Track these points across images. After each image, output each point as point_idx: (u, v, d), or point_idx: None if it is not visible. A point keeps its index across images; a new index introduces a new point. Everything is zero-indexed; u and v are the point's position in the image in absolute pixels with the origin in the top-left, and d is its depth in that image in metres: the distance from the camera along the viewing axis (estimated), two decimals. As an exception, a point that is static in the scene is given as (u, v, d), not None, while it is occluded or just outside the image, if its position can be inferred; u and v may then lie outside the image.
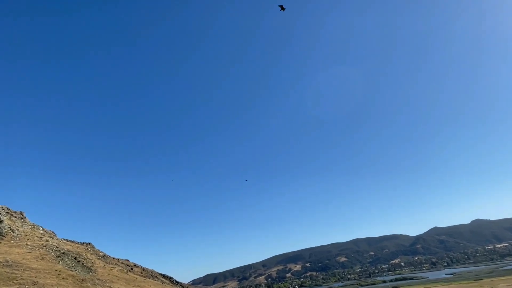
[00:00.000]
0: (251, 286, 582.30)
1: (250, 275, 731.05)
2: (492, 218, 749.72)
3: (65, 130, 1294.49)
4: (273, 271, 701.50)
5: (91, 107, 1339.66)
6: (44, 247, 79.72)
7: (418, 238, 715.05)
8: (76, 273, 70.81)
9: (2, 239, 75.87)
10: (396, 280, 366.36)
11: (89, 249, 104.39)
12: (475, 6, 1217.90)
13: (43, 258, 72.04)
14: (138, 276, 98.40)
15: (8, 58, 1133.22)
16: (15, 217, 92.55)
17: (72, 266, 75.12)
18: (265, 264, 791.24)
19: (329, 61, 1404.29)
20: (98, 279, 74.62)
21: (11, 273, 56.25)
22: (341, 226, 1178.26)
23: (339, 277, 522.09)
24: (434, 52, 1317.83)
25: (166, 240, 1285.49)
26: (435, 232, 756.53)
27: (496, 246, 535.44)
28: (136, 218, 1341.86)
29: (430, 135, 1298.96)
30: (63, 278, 63.19)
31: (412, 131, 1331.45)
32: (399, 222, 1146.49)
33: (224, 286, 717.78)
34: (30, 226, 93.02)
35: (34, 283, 54.23)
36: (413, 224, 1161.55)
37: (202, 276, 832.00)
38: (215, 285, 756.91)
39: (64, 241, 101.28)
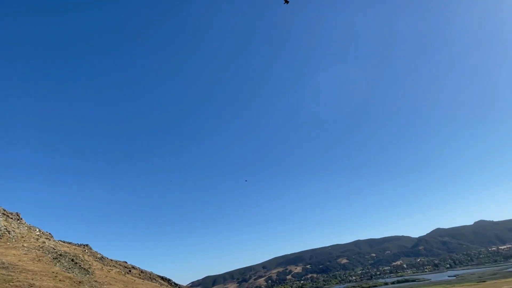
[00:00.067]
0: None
1: (250, 277, 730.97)
2: (495, 219, 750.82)
3: (62, 130, 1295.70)
4: (273, 273, 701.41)
5: (88, 107, 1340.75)
6: (40, 249, 79.63)
7: (420, 240, 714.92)
8: (73, 275, 70.73)
9: (-2, 240, 75.77)
10: (398, 282, 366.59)
11: (86, 250, 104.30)
12: (476, 6, 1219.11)
13: (39, 260, 71.95)
14: (136, 278, 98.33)
15: (5, 57, 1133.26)
16: (11, 218, 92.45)
17: (69, 268, 75.04)
18: (265, 266, 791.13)
19: (329, 60, 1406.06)
20: (96, 281, 74.55)
21: (7, 275, 56.16)
22: (342, 227, 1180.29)
23: (340, 279, 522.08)
24: (435, 51, 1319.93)
25: (164, 241, 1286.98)
26: (438, 233, 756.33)
27: (500, 247, 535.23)
28: (134, 219, 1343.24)
29: (432, 135, 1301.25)
30: (60, 280, 63.11)
31: (414, 131, 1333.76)
32: (401, 223, 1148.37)
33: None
34: (26, 228, 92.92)
35: (31, 285, 54.16)
36: (415, 225, 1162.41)
37: (201, 278, 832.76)
38: (214, 287, 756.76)
39: (61, 242, 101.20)
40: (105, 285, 75.15)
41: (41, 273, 63.46)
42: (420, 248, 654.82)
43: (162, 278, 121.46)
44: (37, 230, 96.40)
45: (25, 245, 78.69)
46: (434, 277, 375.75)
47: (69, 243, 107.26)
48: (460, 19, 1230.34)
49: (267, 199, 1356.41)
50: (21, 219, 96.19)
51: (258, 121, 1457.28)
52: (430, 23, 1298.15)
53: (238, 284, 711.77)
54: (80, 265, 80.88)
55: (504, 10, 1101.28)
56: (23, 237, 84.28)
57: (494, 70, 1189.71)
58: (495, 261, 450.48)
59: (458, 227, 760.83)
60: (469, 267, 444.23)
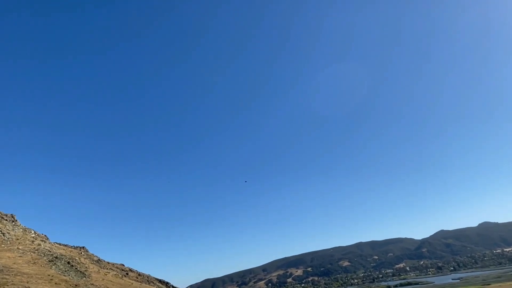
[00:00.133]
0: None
1: (250, 280, 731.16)
2: (500, 221, 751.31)
3: (58, 130, 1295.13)
4: (273, 276, 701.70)
5: (85, 107, 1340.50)
6: (36, 251, 79.59)
7: (423, 242, 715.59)
8: (69, 278, 70.68)
9: (-8, 243, 75.73)
10: (401, 285, 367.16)
11: (82, 253, 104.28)
12: (479, 3, 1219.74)
13: (35, 262, 71.91)
14: (133, 281, 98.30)
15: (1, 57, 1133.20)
16: (6, 220, 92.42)
17: (65, 271, 75.01)
18: (265, 268, 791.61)
19: (330, 59, 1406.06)
20: (92, 284, 74.51)
21: (2, 278, 56.12)
22: (344, 229, 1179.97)
23: (342, 282, 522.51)
24: (438, 49, 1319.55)
25: (162, 243, 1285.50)
26: (441, 235, 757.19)
27: (505, 250, 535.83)
28: (132, 221, 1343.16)
29: (436, 134, 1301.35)
30: (55, 283, 63.05)
31: (417, 131, 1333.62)
32: (404, 225, 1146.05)
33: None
34: (21, 230, 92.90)
35: (26, 289, 54.07)
36: (418, 227, 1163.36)
37: (200, 281, 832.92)
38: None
39: (57, 245, 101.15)
40: (102, 288, 75.06)
41: (37, 276, 63.40)
42: (424, 250, 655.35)
43: (160, 281, 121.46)
44: (33, 232, 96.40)
45: (20, 247, 78.66)
46: (438, 280, 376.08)
47: (65, 245, 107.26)
48: (464, 16, 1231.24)
49: (267, 200, 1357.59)
50: (16, 221, 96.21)
51: (258, 121, 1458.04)
52: (433, 20, 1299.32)
53: (237, 287, 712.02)
54: (76, 268, 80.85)
55: (508, 7, 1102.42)
56: (18, 239, 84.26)
57: (500, 67, 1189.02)
58: (500, 263, 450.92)
59: (462, 229, 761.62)
60: (473, 269, 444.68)
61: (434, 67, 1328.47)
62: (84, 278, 76.42)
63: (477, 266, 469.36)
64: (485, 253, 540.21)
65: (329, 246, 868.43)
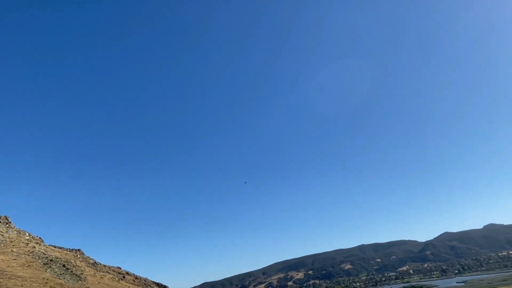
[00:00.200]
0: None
1: (250, 284, 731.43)
2: (506, 223, 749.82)
3: (53, 131, 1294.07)
4: (273, 279, 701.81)
5: (80, 107, 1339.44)
6: (30, 254, 79.61)
7: (427, 244, 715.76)
8: (65, 282, 70.68)
9: (-14, 245, 75.70)
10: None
11: (78, 256, 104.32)
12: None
13: (29, 265, 71.91)
14: (130, 285, 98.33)
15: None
16: (0, 222, 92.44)
17: (61, 274, 75.01)
18: (265, 271, 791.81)
19: (333, 56, 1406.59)
20: (88, 287, 74.51)
21: (-4, 281, 56.07)
22: (345, 231, 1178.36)
23: (343, 285, 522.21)
24: (443, 45, 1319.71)
25: (160, 246, 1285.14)
26: (446, 237, 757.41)
27: (510, 252, 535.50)
28: (129, 223, 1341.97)
29: (440, 134, 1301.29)
30: (50, 286, 63.07)
31: (420, 131, 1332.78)
32: (407, 227, 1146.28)
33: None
34: (15, 232, 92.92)
35: (20, 292, 54.08)
36: (422, 229, 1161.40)
37: (198, 284, 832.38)
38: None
39: (52, 247, 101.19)
40: (98, 292, 75.11)
41: (31, 279, 63.40)
42: (427, 253, 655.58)
43: (158, 284, 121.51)
44: (27, 234, 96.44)
45: (14, 250, 78.65)
46: (442, 283, 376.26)
47: (61, 248, 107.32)
48: (468, 13, 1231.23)
49: (267, 202, 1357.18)
50: (10, 223, 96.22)
51: (258, 121, 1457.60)
52: (437, 17, 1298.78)
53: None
54: (72, 271, 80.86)
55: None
56: (12, 241, 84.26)
57: (508, 63, 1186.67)
58: (506, 266, 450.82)
59: (467, 231, 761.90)
60: (479, 272, 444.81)
61: (438, 64, 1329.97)
62: (79, 281, 76.43)
63: (482, 269, 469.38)
64: (490, 255, 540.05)
65: (331, 248, 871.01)
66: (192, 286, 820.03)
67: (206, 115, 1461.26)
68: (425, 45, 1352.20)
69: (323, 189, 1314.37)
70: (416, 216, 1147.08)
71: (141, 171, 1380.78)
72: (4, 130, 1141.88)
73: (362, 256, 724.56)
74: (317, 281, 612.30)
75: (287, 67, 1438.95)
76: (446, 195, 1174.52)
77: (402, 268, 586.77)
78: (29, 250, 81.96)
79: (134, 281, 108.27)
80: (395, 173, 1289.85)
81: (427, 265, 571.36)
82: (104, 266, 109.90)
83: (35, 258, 77.98)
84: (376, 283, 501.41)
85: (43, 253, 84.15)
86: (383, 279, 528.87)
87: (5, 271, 63.16)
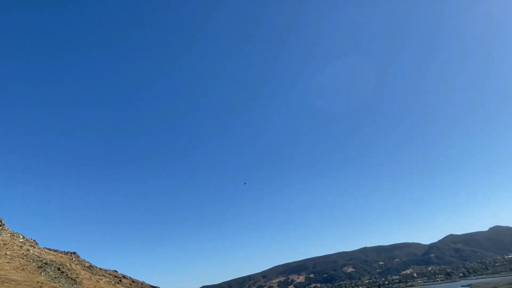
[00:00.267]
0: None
1: (249, 287, 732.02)
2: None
3: (47, 131, 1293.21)
4: (274, 283, 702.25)
5: (75, 107, 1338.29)
6: (24, 257, 79.66)
7: (431, 247, 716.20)
8: (60, 285, 70.77)
9: (-22, 248, 75.77)
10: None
11: (73, 259, 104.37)
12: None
13: (23, 269, 71.96)
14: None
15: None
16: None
17: (55, 278, 75.09)
18: (266, 275, 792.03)
19: (335, 54, 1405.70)
20: (84, 291, 74.57)
21: (-11, 285, 56.13)
22: (347, 234, 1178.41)
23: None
24: (448, 43, 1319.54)
25: (157, 249, 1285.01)
26: (450, 240, 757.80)
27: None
28: (125, 225, 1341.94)
29: (445, 134, 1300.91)
30: (45, 290, 63.12)
31: (424, 130, 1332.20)
32: (411, 229, 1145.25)
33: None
34: (9, 234, 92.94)
35: (14, 296, 54.15)
36: (426, 231, 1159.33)
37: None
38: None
39: (46, 250, 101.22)
40: (94, 295, 75.20)
41: (25, 283, 63.47)
42: (432, 255, 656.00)
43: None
44: (21, 237, 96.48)
45: (7, 253, 78.69)
46: (447, 287, 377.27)
47: (55, 250, 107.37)
48: (474, 10, 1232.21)
49: (267, 203, 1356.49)
50: (3, 225, 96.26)
51: (258, 121, 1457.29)
52: (442, 13, 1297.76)
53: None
54: (67, 275, 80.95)
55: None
56: (5, 244, 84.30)
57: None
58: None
59: (472, 233, 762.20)
60: (484, 276, 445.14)
61: (444, 62, 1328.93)
62: (75, 285, 76.55)
63: (488, 272, 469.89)
64: (496, 258, 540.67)
65: (332, 251, 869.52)
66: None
67: (205, 115, 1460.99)
68: (430, 42, 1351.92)
69: (324, 191, 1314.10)
70: (420, 218, 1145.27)
71: (138, 172, 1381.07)
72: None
73: (364, 259, 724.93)
74: (319, 285, 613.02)
75: (288, 65, 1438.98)
76: (451, 196, 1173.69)
77: (405, 271, 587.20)
78: (23, 253, 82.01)
79: (130, 284, 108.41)
80: (399, 173, 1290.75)
81: (431, 268, 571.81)
82: (100, 269, 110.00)
83: (29, 261, 78.05)
84: (379, 287, 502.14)
85: (38, 256, 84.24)
86: (386, 282, 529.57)
87: (-1, 275, 63.22)
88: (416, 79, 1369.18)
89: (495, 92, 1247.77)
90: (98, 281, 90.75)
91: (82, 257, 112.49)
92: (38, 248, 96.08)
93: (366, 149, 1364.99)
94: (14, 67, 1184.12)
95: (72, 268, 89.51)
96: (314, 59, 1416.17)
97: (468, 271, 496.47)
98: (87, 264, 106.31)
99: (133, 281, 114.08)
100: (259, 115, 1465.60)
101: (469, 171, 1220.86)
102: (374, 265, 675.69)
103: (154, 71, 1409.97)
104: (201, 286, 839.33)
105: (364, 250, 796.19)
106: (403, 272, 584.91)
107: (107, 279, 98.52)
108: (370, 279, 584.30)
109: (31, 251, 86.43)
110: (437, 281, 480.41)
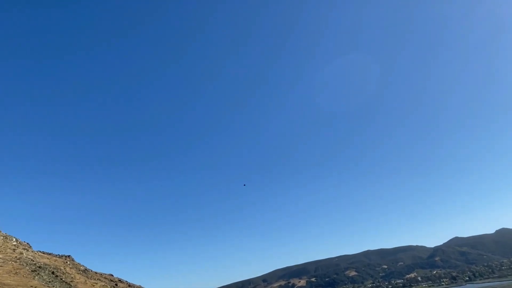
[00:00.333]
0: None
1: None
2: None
3: (41, 131, 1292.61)
4: (274, 287, 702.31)
5: (71, 107, 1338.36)
6: (18, 260, 79.51)
7: (436, 250, 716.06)
8: (54, 290, 70.60)
9: (-30, 251, 75.66)
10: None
11: (68, 262, 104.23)
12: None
13: (16, 272, 71.82)
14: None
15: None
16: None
17: (50, 282, 74.94)
18: (266, 279, 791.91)
19: (337, 52, 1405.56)
20: (79, 296, 74.44)
21: (-19, 289, 56.01)
22: (350, 237, 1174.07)
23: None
24: (453, 41, 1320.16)
25: (154, 252, 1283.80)
26: (456, 243, 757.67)
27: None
28: (122, 228, 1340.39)
29: (450, 135, 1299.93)
30: (39, 295, 62.98)
31: (428, 130, 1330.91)
32: (415, 232, 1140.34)
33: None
34: (2, 237, 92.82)
35: (7, 301, 54.01)
36: (430, 234, 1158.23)
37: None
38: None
39: (40, 253, 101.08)
40: (89, 300, 75.08)
41: (19, 287, 63.35)
42: (436, 259, 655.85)
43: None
44: (14, 239, 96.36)
45: (0, 256, 78.56)
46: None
47: (49, 254, 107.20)
48: (479, 8, 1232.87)
49: (267, 206, 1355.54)
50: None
51: (258, 121, 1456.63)
52: (447, 10, 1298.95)
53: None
54: (61, 278, 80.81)
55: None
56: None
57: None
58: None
59: (478, 235, 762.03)
60: (490, 279, 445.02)
61: (448, 61, 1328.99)
62: (69, 289, 76.32)
63: (494, 275, 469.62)
64: (503, 261, 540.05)
65: (334, 254, 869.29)
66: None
67: (205, 115, 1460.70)
68: (434, 39, 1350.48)
69: (325, 193, 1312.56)
70: (425, 220, 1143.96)
71: (135, 173, 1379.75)
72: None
73: (367, 262, 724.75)
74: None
75: (289, 64, 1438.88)
76: (456, 198, 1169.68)
77: (409, 275, 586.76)
78: (16, 256, 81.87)
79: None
80: (402, 175, 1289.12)
81: (436, 272, 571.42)
82: (96, 273, 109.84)
83: (23, 265, 77.91)
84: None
85: (31, 260, 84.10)
86: (390, 286, 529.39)
87: (-9, 279, 63.10)
88: (420, 77, 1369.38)
89: (501, 91, 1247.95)
90: (94, 285, 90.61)
91: (77, 260, 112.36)
92: (32, 252, 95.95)
93: (368, 149, 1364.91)
94: (11, 66, 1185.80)
95: (66, 272, 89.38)
96: (315, 57, 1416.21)
97: (474, 274, 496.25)
98: (82, 268, 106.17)
99: (129, 285, 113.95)
100: (259, 115, 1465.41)
101: (474, 172, 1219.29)
102: (377, 268, 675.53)
103: (153, 70, 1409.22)
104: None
105: (367, 253, 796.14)
106: (407, 276, 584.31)
107: (103, 283, 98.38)
108: (373, 283, 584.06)
109: (24, 254, 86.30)
110: (442, 285, 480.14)
